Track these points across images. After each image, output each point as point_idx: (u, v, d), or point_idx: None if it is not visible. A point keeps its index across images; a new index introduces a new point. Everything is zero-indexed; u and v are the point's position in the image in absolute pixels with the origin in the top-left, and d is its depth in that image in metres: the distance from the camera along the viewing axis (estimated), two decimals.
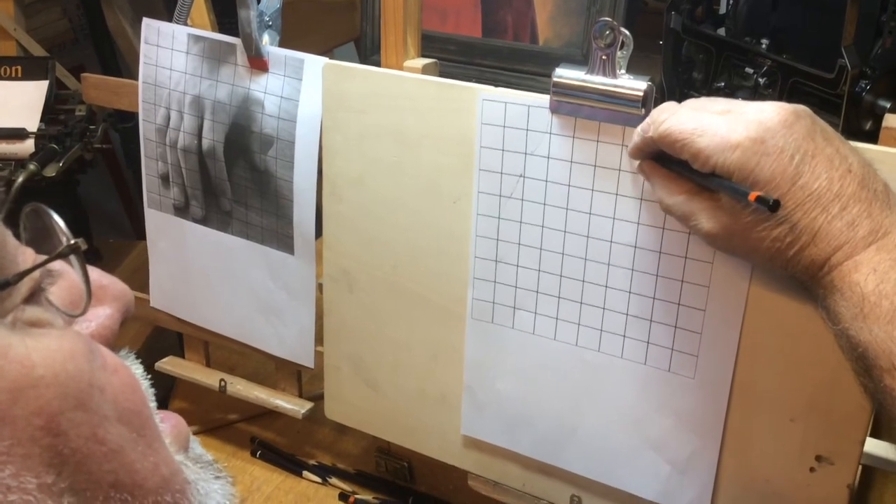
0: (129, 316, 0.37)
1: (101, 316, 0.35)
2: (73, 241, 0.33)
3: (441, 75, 0.75)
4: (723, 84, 0.99)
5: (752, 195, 0.49)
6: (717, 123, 0.52)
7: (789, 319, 0.60)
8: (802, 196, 0.49)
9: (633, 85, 0.60)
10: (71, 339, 0.30)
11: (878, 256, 0.48)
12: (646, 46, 1.13)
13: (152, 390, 0.36)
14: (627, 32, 0.60)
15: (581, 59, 1.08)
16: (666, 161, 0.57)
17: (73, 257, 0.34)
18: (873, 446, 0.65)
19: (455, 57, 1.22)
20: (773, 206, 0.48)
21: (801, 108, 0.52)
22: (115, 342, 0.36)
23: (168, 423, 0.36)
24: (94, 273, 0.35)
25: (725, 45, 0.97)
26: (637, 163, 0.60)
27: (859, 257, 0.49)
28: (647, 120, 0.57)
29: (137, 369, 0.35)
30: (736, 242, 0.53)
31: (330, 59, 0.77)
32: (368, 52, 1.31)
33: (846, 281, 0.49)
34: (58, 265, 0.34)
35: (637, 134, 0.58)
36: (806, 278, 0.52)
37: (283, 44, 0.81)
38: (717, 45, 0.98)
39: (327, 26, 1.45)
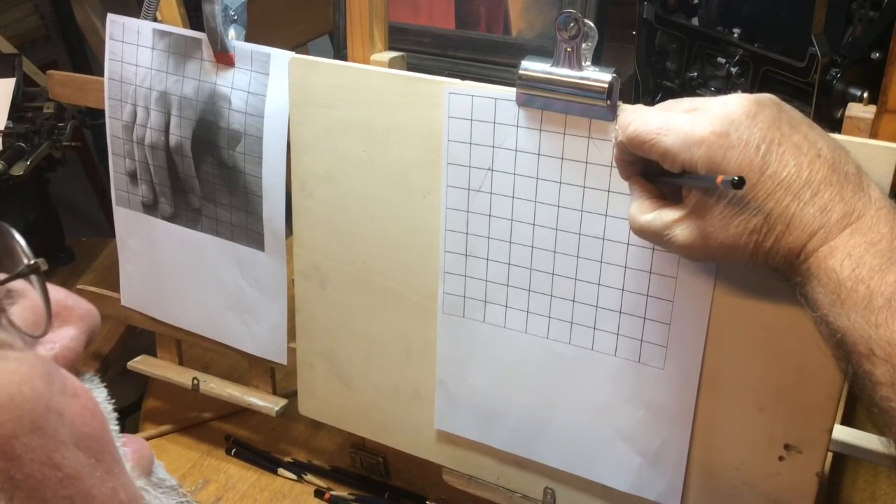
0: (95, 336, 0.37)
1: (65, 337, 0.35)
2: (32, 262, 0.33)
3: (415, 68, 0.74)
4: (696, 74, 0.99)
5: (719, 179, 0.49)
6: (681, 121, 0.52)
7: (756, 310, 0.60)
8: (772, 185, 0.49)
9: (598, 77, 0.60)
10: (29, 362, 0.30)
11: (853, 241, 0.48)
12: (619, 36, 1.13)
13: (115, 414, 0.35)
14: (592, 24, 0.59)
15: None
16: (651, 176, 0.57)
17: (33, 277, 0.33)
18: (844, 434, 0.65)
19: (428, 49, 1.21)
20: (738, 182, 0.47)
21: (766, 96, 0.52)
22: (79, 363, 0.36)
23: (130, 448, 0.35)
24: (60, 293, 0.35)
25: (698, 35, 0.97)
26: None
27: (834, 242, 0.49)
28: (615, 126, 0.56)
29: (100, 394, 0.35)
30: (714, 245, 0.52)
31: (304, 52, 0.76)
32: (342, 46, 1.30)
33: (822, 267, 0.49)
34: (20, 285, 0.33)
35: (612, 144, 0.57)
36: (785, 268, 0.52)
37: (256, 38, 0.80)
38: (689, 35, 0.97)
39: (301, 20, 1.44)
